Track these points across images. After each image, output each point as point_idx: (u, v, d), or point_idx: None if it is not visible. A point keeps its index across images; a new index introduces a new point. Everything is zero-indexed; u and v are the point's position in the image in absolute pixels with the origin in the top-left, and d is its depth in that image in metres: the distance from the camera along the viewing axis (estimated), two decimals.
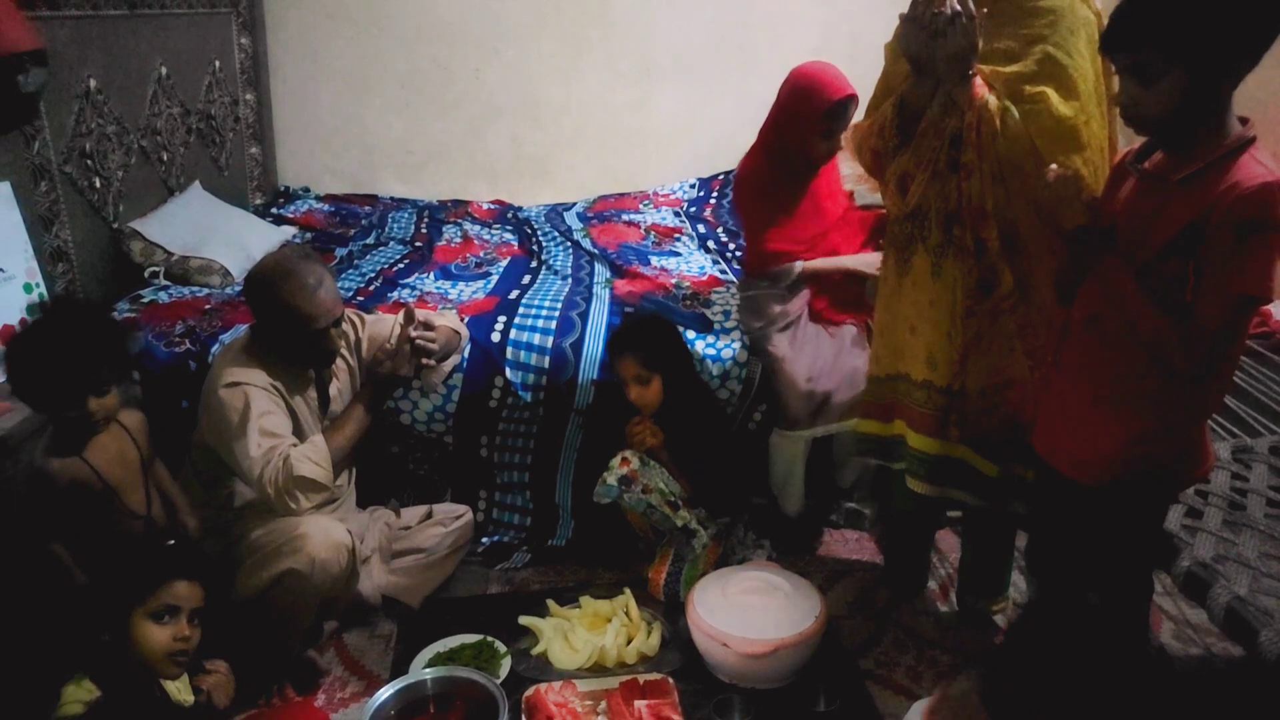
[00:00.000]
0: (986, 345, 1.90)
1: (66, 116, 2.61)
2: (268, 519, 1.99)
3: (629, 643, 2.15)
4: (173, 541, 1.61)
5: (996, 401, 1.92)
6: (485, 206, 4.08)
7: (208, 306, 2.69)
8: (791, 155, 2.40)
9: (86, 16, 2.72)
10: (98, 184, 2.76)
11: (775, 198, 2.45)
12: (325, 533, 1.94)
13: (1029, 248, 1.81)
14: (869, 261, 2.43)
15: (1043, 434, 1.72)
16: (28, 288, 2.09)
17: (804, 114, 2.32)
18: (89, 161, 2.71)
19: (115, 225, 2.87)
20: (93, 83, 2.72)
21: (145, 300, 2.74)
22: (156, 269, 2.88)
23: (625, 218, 3.79)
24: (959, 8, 1.69)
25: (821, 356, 2.42)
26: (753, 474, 2.54)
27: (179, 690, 1.62)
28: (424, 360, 2.19)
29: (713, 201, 4.01)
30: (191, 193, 3.29)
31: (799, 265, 2.45)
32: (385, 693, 1.86)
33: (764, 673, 1.99)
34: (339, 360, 2.23)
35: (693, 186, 4.22)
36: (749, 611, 2.04)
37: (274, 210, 3.83)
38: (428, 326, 2.21)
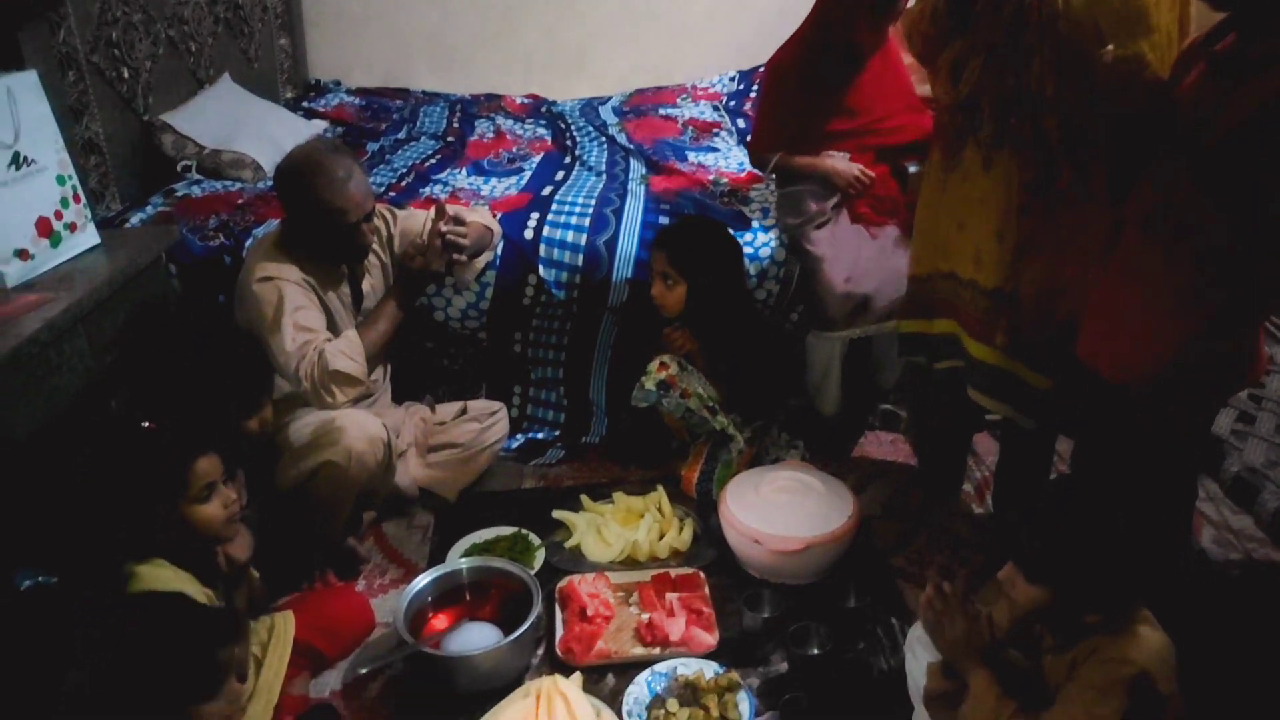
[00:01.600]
0: (1041, 245, 1.81)
1: (91, 3, 2.55)
2: (306, 412, 2.01)
3: (661, 538, 2.18)
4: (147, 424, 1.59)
5: (1052, 308, 1.84)
6: (519, 101, 3.98)
7: (240, 201, 2.67)
8: (833, 45, 2.29)
9: None
10: (126, 75, 2.72)
11: (802, 87, 2.34)
12: (361, 426, 1.96)
13: (1089, 139, 1.71)
14: (838, 169, 2.35)
15: (1089, 337, 1.66)
16: (60, 180, 2.07)
17: (848, 1, 2.20)
18: (116, 51, 2.66)
19: (145, 117, 2.84)
20: None
21: (179, 194, 2.73)
22: (188, 162, 2.86)
23: (662, 112, 3.67)
24: None
25: (862, 257, 2.36)
26: (789, 375, 2.51)
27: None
28: (455, 256, 2.16)
29: (753, 95, 3.86)
30: (221, 85, 3.23)
31: (775, 157, 2.41)
32: (422, 580, 1.90)
33: (795, 570, 2.00)
34: (371, 256, 2.22)
35: (732, 79, 4.07)
36: (781, 510, 2.04)
37: (304, 104, 3.76)
38: (459, 222, 2.18)
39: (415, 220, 2.29)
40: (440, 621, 1.90)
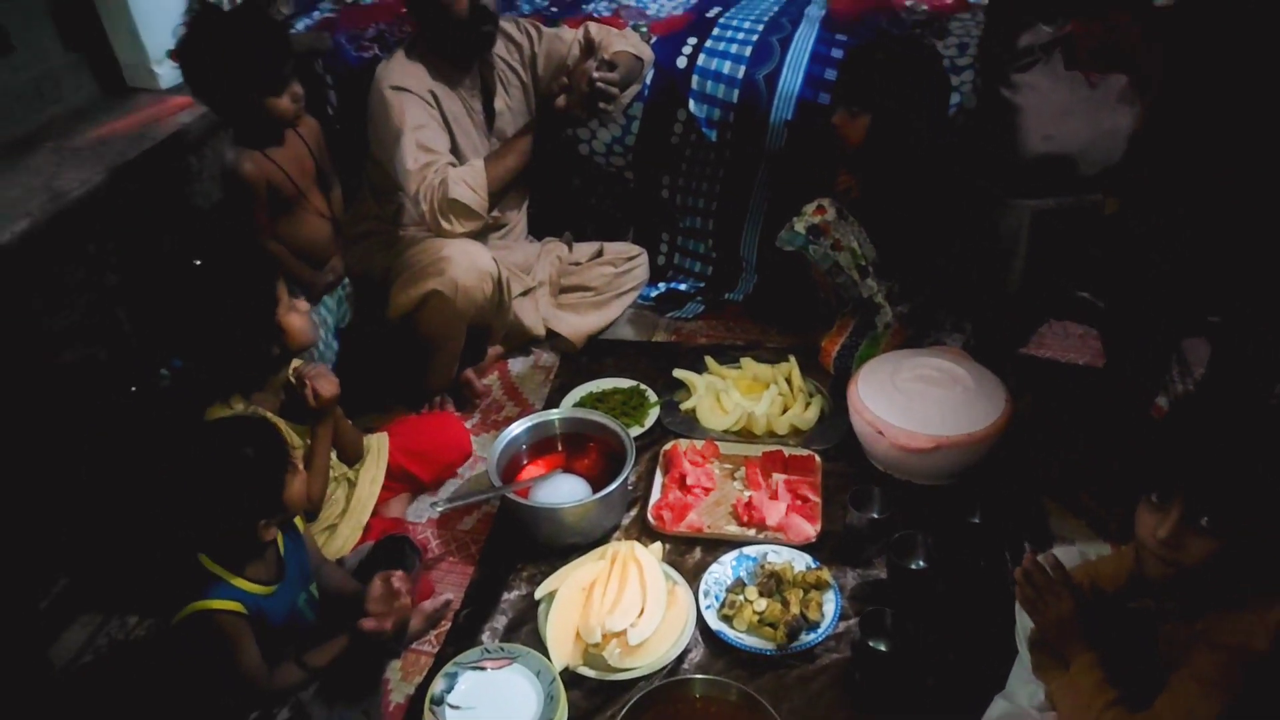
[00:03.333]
0: None
1: None
2: (425, 238, 1.96)
3: (784, 412, 2.00)
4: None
5: None
6: None
7: (402, 11, 2.57)
8: None
9: None
10: None
11: None
12: (469, 257, 1.89)
13: None
14: None
15: None
16: None
17: None
18: None
19: None
20: None
21: (349, 0, 2.67)
22: None
23: None
24: None
25: (1072, 110, 1.93)
26: (967, 245, 2.17)
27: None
28: (603, 105, 1.95)
29: None
30: None
31: None
32: (517, 428, 1.86)
33: (922, 469, 1.78)
34: (509, 74, 2.09)
35: None
36: (918, 400, 1.80)
37: None
38: (610, 66, 1.94)
39: (561, 43, 2.11)
40: (535, 469, 1.86)
